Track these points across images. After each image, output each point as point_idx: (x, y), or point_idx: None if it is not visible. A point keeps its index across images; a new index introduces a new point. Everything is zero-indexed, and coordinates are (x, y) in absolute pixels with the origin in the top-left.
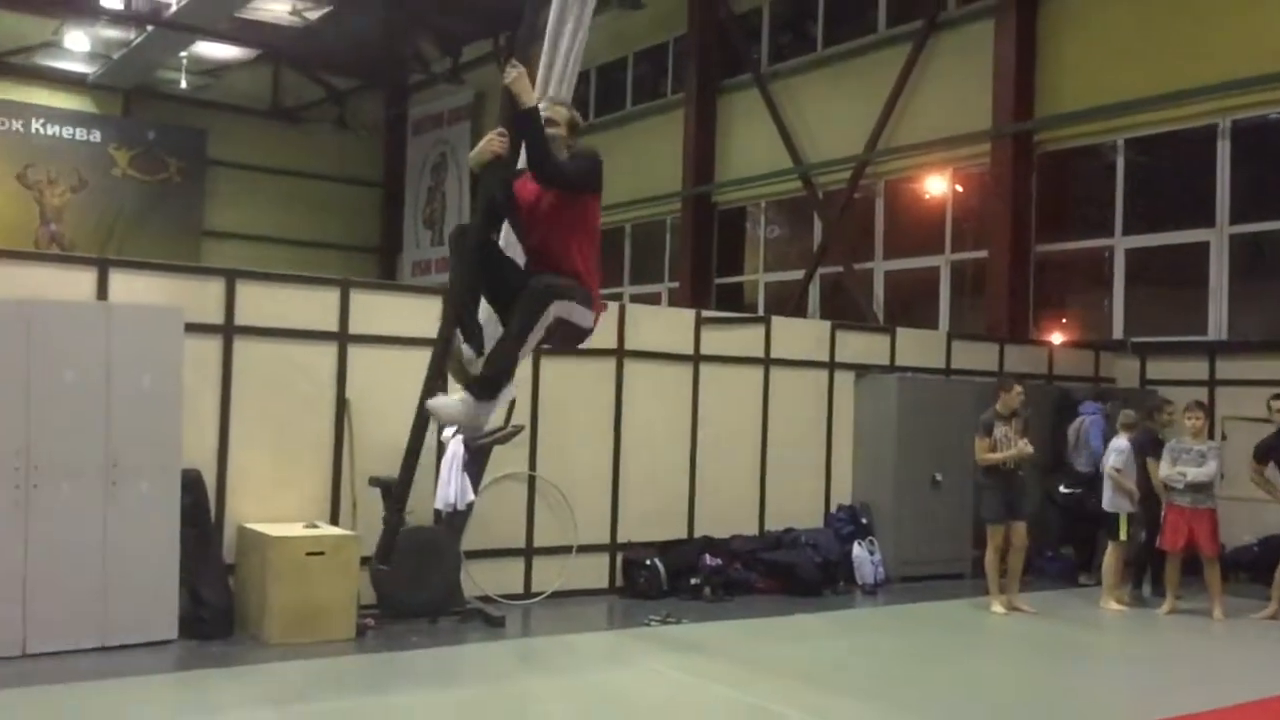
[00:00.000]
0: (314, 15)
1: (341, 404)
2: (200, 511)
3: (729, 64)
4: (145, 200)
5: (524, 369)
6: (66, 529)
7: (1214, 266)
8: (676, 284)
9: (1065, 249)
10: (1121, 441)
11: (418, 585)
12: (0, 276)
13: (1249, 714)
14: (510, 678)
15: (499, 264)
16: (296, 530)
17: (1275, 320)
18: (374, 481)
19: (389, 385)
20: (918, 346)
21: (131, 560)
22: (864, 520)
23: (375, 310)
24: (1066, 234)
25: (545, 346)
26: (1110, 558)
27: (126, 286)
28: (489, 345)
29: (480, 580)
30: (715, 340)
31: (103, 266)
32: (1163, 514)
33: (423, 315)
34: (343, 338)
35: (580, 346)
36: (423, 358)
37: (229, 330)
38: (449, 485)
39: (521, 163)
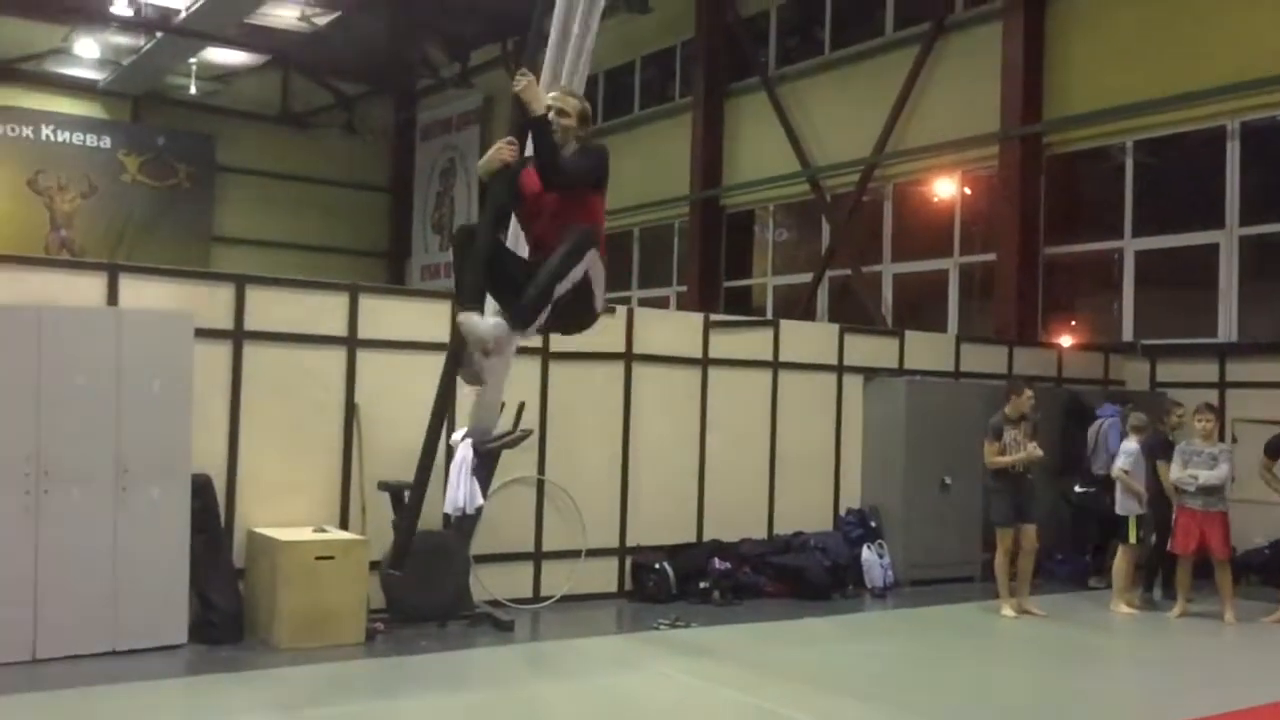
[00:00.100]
0: (322, 21)
1: (350, 409)
2: (210, 516)
3: (736, 67)
4: (155, 206)
5: (533, 374)
6: (77, 534)
7: (1224, 268)
8: (685, 288)
9: (1074, 251)
10: (1131, 444)
11: (427, 589)
12: (11, 282)
13: (1260, 717)
14: (519, 682)
15: (504, 261)
16: (306, 535)
17: None
18: (383, 486)
19: (398, 390)
20: (926, 349)
21: (141, 565)
22: (873, 524)
23: (384, 315)
24: (1075, 236)
25: (551, 344)
26: (1120, 560)
27: (136, 292)
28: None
29: (489, 584)
30: (724, 344)
31: (113, 272)
32: (1173, 517)
33: (431, 320)
34: (351, 343)
35: (587, 351)
36: (431, 362)
37: (238, 335)
38: (458, 489)
39: (528, 151)
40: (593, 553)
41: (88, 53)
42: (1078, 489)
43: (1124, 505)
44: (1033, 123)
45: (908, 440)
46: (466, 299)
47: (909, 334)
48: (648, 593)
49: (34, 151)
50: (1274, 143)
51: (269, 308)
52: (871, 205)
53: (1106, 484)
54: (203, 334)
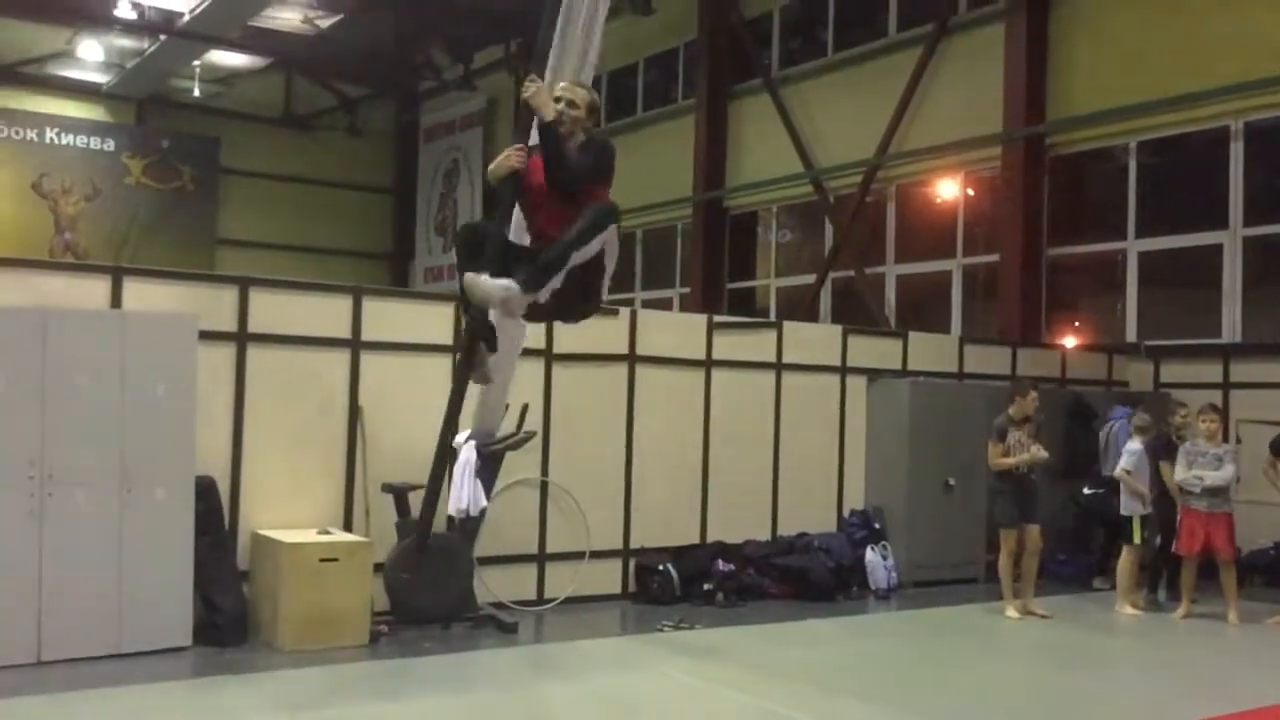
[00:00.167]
0: (326, 23)
1: (354, 410)
2: (214, 518)
3: (740, 69)
4: (159, 208)
5: (536, 376)
6: (81, 536)
7: (1228, 269)
8: (688, 289)
9: (1078, 252)
10: (1135, 444)
11: (431, 591)
12: (15, 285)
13: (1265, 719)
14: (523, 684)
15: (511, 251)
16: (310, 536)
17: None
18: (387, 488)
19: (401, 392)
20: (930, 351)
21: (146, 567)
22: (877, 525)
23: (388, 317)
24: (1079, 237)
25: (554, 346)
26: (1125, 561)
27: (140, 295)
28: (498, 343)
29: (493, 586)
30: (727, 345)
31: (117, 275)
32: (1178, 518)
33: (435, 322)
34: (355, 344)
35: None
36: (435, 364)
37: (242, 338)
38: (462, 491)
39: (533, 139)
40: (596, 554)
41: (92, 56)
42: (1086, 491)
43: (1128, 506)
44: (1036, 123)
45: (911, 441)
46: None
47: (912, 335)
48: (652, 594)
49: (38, 154)
50: (1278, 143)
51: (273, 310)
52: (875, 206)
53: (1115, 486)
54: (207, 336)
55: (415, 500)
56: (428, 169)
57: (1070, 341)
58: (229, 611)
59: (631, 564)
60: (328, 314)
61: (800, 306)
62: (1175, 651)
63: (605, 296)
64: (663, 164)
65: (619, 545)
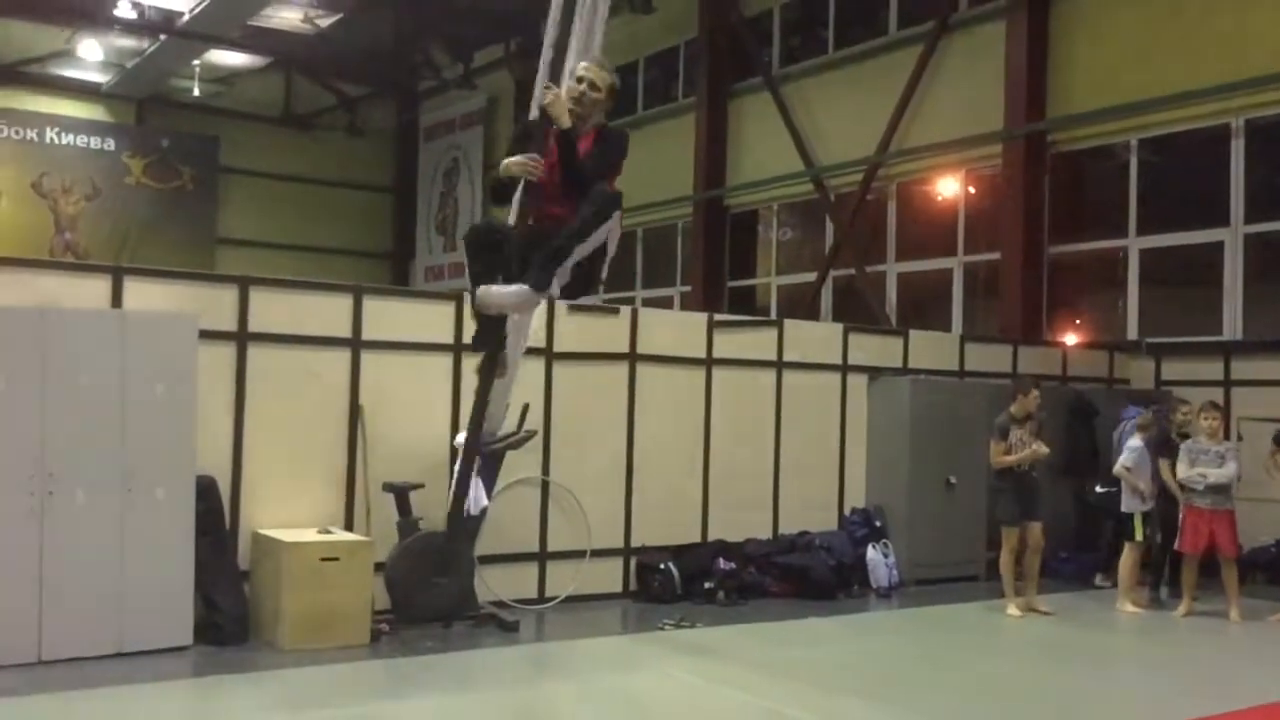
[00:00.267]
0: (325, 23)
1: (355, 410)
2: (215, 518)
3: (740, 67)
4: (159, 208)
5: (537, 374)
6: (82, 536)
7: (1229, 266)
8: (689, 288)
9: (1079, 250)
10: (1136, 441)
11: (432, 590)
12: (15, 285)
13: (1265, 717)
14: (524, 682)
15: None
16: (310, 536)
17: None
18: (387, 487)
19: (402, 391)
20: (931, 349)
21: (146, 567)
22: (878, 523)
23: (388, 316)
24: (1080, 235)
25: (555, 345)
26: (1126, 559)
27: (140, 294)
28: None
29: (494, 585)
30: (728, 343)
31: (117, 274)
32: (1180, 515)
33: (436, 321)
34: (356, 344)
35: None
36: (436, 363)
37: (243, 337)
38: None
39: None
40: (597, 553)
41: (92, 55)
42: (1098, 489)
43: (1128, 502)
44: (1037, 121)
45: (912, 440)
46: (480, 284)
47: (913, 333)
48: (653, 593)
49: (38, 154)
50: (1279, 140)
51: (273, 309)
52: (875, 204)
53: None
54: (207, 335)
55: (416, 499)
56: (428, 168)
57: (1071, 339)
58: (230, 611)
59: (632, 562)
60: (328, 313)
61: (801, 305)
62: (1177, 649)
63: (604, 278)
64: (663, 162)
65: (620, 544)
